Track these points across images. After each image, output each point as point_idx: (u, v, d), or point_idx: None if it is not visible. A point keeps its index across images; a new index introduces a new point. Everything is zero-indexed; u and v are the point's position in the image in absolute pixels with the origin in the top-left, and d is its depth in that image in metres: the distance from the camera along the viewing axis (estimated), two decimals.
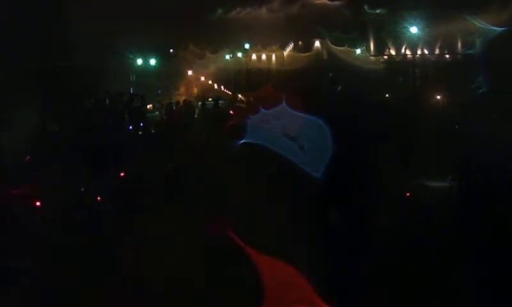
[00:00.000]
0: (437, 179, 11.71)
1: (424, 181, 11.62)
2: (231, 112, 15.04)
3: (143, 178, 11.85)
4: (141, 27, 23.15)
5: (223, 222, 8.82)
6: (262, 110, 10.47)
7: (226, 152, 10.71)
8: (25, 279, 8.21)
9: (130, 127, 16.38)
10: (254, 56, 27.35)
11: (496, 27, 19.03)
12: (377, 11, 25.64)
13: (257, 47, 27.27)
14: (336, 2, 26.68)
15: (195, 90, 27.75)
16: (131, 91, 21.93)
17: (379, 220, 9.21)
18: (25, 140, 11.97)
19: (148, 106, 21.09)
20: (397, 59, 25.61)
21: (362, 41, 25.96)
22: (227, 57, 27.30)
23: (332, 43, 26.31)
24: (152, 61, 26.64)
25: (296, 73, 24.47)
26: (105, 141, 12.84)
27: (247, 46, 27.09)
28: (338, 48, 26.11)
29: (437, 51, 25.17)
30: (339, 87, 14.58)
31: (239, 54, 27.19)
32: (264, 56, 27.43)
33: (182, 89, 27.64)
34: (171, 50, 27.26)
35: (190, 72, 27.61)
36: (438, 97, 20.35)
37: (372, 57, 25.94)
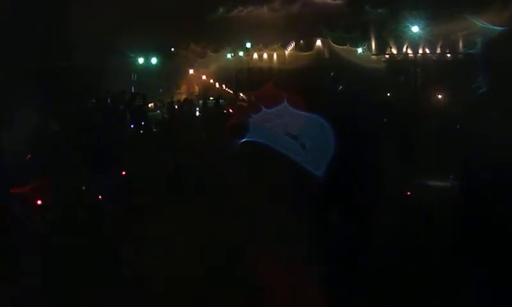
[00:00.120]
0: (438, 178, 11.69)
1: (425, 181, 11.61)
2: (230, 110, 15.04)
3: (144, 177, 11.84)
4: (143, 26, 23.17)
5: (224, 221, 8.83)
6: (264, 109, 10.46)
7: (227, 151, 10.71)
8: (26, 279, 8.20)
9: (132, 126, 16.37)
10: (255, 55, 27.37)
11: (497, 26, 18.99)
12: (379, 10, 25.64)
13: (259, 45, 27.29)
14: (338, 1, 26.72)
15: (196, 89, 27.79)
16: (132, 90, 21.91)
17: (380, 219, 9.21)
18: (26, 140, 11.96)
19: (150, 105, 21.09)
20: (399, 58, 25.62)
21: (364, 40, 25.97)
22: (228, 56, 27.32)
23: (334, 42, 26.31)
24: (154, 60, 26.69)
25: (298, 72, 24.46)
26: (107, 140, 12.82)
27: (248, 45, 27.10)
28: (340, 47, 26.13)
29: (438, 50, 25.18)
30: (340, 86, 14.58)
31: (241, 53, 27.21)
32: (265, 55, 27.45)
33: (184, 88, 27.68)
34: (172, 49, 27.31)
35: (191, 71, 27.64)
36: (440, 96, 20.36)
37: (373, 57, 25.94)
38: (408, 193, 11.12)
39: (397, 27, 24.94)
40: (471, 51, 22.52)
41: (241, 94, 22.99)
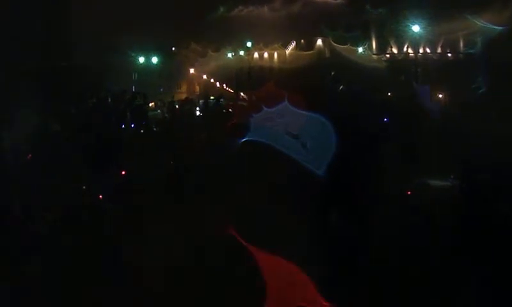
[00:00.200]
0: (438, 178, 11.67)
1: (426, 180, 11.59)
2: (231, 110, 15.04)
3: (144, 176, 11.83)
4: (143, 26, 23.15)
5: (225, 221, 8.82)
6: (264, 108, 10.46)
7: (228, 150, 10.71)
8: (26, 279, 8.21)
9: (132, 125, 16.38)
10: (256, 54, 27.35)
11: (497, 26, 19.00)
12: (380, 9, 25.62)
13: (259, 45, 27.28)
14: (339, 1, 26.72)
15: (197, 88, 27.79)
16: (133, 90, 21.90)
17: (380, 219, 9.20)
18: (26, 140, 11.97)
19: (150, 104, 21.09)
20: (399, 58, 25.62)
21: (364, 39, 25.96)
22: (229, 55, 27.31)
23: (334, 42, 26.31)
24: (154, 60, 26.66)
25: (298, 71, 24.45)
26: (107, 140, 12.82)
27: (249, 44, 27.09)
28: (341, 46, 26.12)
29: (439, 50, 25.17)
30: (341, 86, 14.59)
31: (241, 52, 27.18)
32: (266, 54, 27.44)
33: (184, 88, 27.67)
34: (173, 49, 27.29)
35: (192, 70, 27.64)
36: (440, 96, 20.34)
37: (374, 56, 25.94)
38: (409, 192, 11.10)
39: (397, 27, 24.94)
40: (471, 51, 22.54)
41: (242, 94, 23.00)
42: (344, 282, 7.86)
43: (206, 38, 26.82)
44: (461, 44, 24.48)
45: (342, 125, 9.81)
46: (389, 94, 18.99)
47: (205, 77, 27.80)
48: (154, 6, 23.39)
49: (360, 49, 25.91)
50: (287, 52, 27.28)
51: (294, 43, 27.16)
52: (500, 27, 18.58)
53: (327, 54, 26.64)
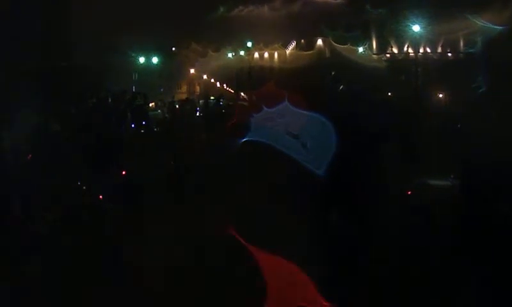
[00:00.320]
0: (439, 177, 11.67)
1: (426, 180, 11.59)
2: (231, 110, 15.03)
3: (145, 177, 11.84)
4: (143, 26, 23.17)
5: (225, 221, 8.81)
6: (265, 108, 10.44)
7: (228, 150, 10.70)
8: (26, 279, 8.21)
9: (133, 125, 16.39)
10: (256, 54, 27.38)
11: (498, 26, 18.99)
12: (380, 9, 25.63)
13: (259, 45, 27.31)
14: (339, 1, 26.73)
15: (197, 88, 27.83)
16: (133, 90, 21.92)
17: (380, 219, 9.20)
18: (26, 140, 11.97)
19: (151, 104, 21.11)
20: (400, 58, 25.64)
21: (364, 39, 25.97)
22: (229, 55, 27.34)
23: (334, 42, 26.33)
24: (154, 60, 26.69)
25: (299, 71, 24.46)
26: (107, 140, 12.82)
27: (249, 44, 27.11)
28: (341, 46, 26.14)
29: (439, 49, 25.19)
30: (341, 86, 14.56)
31: (242, 52, 27.21)
32: (266, 54, 27.47)
33: (184, 88, 27.71)
34: (173, 49, 27.32)
35: (192, 70, 27.67)
36: (440, 95, 20.34)
37: (374, 56, 25.95)
38: (409, 192, 11.10)
39: (397, 26, 24.94)
40: (471, 50, 22.52)
41: (242, 94, 23.01)
42: (344, 282, 7.85)
43: (206, 38, 26.84)
44: (461, 44, 24.51)
45: (343, 125, 9.78)
46: (389, 94, 18.99)
47: (205, 77, 27.83)
48: (154, 6, 23.41)
49: (360, 49, 25.92)
50: (287, 51, 27.30)
51: (294, 43, 27.18)
52: (500, 27, 18.55)
53: (327, 53, 26.66)
